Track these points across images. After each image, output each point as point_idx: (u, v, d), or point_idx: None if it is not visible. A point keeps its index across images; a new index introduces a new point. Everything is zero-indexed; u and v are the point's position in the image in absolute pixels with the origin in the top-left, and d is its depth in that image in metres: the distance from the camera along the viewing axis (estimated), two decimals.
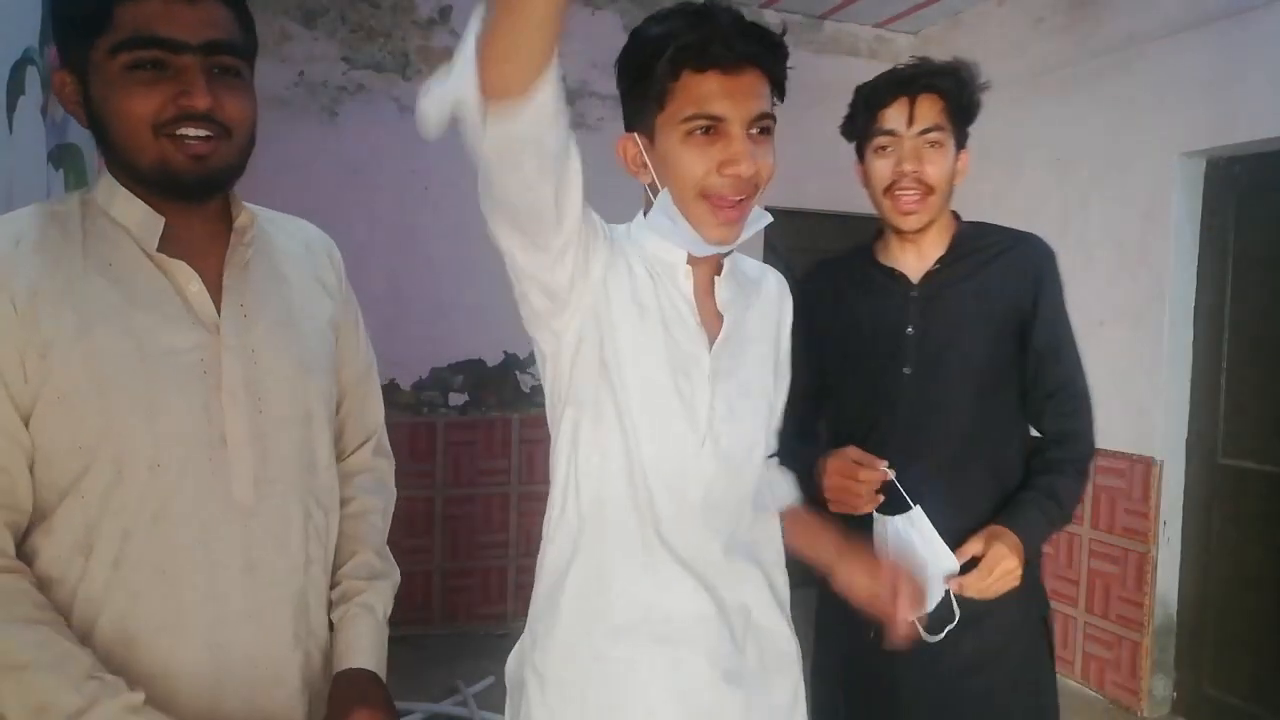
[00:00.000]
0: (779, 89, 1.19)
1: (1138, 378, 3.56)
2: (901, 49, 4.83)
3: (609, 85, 4.63)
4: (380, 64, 4.02)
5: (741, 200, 1.15)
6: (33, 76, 1.37)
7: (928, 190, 1.56)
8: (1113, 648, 3.65)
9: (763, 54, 1.15)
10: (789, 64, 1.19)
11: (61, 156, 1.56)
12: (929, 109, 1.56)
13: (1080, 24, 3.86)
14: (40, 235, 1.00)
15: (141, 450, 1.00)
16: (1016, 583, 1.45)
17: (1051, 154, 3.98)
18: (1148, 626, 3.51)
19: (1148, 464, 3.51)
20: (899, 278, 1.65)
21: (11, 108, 1.27)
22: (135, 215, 1.03)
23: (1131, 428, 3.58)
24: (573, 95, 4.24)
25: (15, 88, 1.28)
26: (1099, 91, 3.75)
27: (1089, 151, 3.80)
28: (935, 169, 1.56)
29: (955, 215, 1.69)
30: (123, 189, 1.03)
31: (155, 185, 1.02)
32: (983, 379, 1.62)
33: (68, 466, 0.98)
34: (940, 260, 1.64)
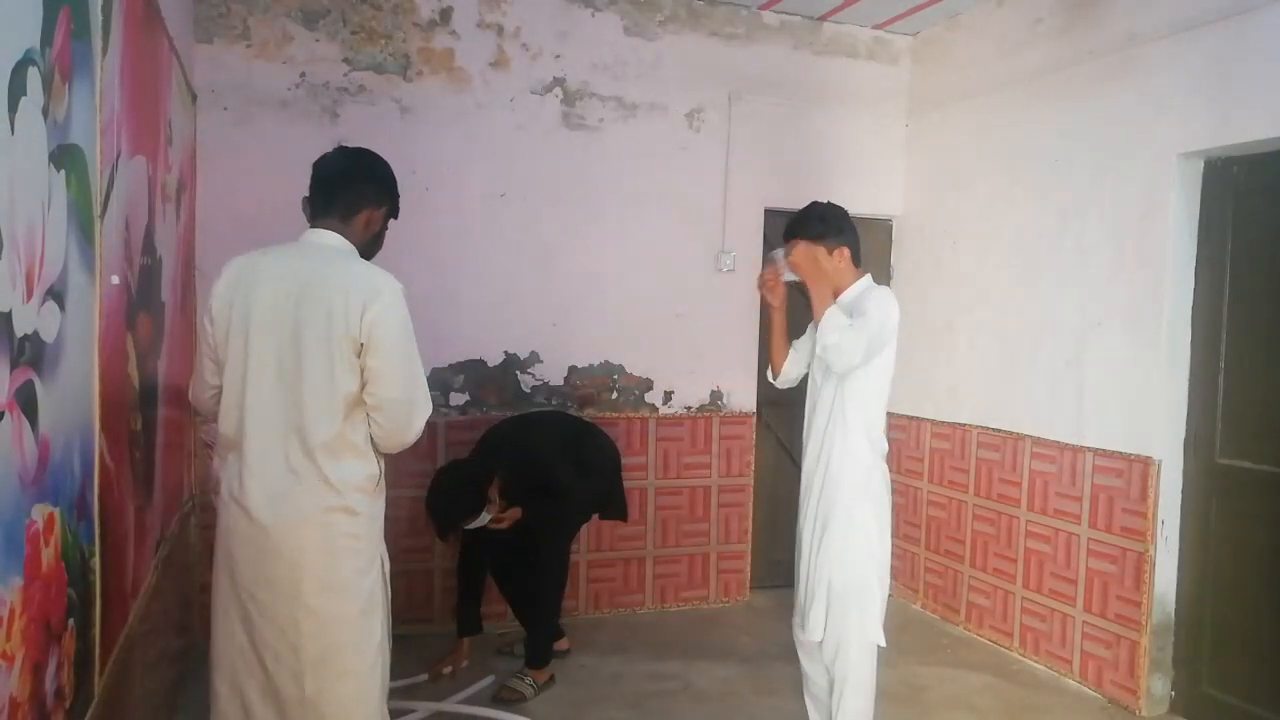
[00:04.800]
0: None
1: (1136, 378, 3.57)
2: (901, 50, 4.83)
3: (609, 86, 4.66)
4: (381, 65, 4.03)
5: None
6: (34, 77, 1.37)
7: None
8: (1111, 647, 3.66)
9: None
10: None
11: (63, 157, 1.57)
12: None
13: (1079, 24, 3.87)
14: None
15: None
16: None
17: (1051, 154, 3.99)
18: (1146, 625, 3.52)
19: (1146, 463, 3.52)
20: None
21: (13, 109, 1.27)
22: None
23: (1129, 427, 3.59)
24: (573, 96, 4.26)
25: (17, 89, 1.29)
26: (1098, 92, 3.76)
27: (1088, 152, 3.81)
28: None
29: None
30: None
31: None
32: None
33: None
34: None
